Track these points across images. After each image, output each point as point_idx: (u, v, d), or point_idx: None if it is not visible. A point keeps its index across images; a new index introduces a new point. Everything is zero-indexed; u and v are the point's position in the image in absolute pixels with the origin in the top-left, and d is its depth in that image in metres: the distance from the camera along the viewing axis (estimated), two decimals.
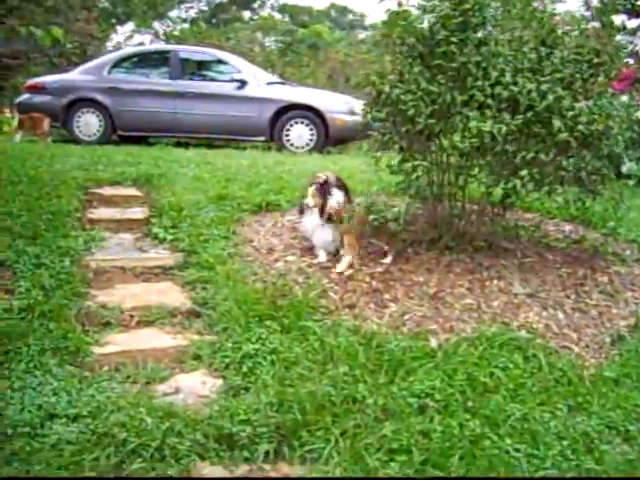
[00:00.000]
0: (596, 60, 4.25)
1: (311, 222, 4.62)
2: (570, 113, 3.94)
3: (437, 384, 3.14)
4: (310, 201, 4.51)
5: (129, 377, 3.31)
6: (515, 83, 3.99)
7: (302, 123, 10.56)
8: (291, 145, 10.54)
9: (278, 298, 4.02)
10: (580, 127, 3.86)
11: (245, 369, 3.28)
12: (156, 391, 3.19)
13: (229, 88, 10.63)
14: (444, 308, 3.98)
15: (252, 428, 2.85)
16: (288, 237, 5.14)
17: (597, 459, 2.76)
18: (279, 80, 11.73)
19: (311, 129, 10.53)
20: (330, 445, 2.75)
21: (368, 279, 4.34)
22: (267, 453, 2.76)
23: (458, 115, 4.11)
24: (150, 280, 4.61)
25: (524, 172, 3.95)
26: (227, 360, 3.43)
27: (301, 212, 4.88)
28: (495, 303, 4.06)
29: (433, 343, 3.53)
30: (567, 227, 5.66)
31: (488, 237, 4.77)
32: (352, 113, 10.58)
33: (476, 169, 4.46)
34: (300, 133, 10.57)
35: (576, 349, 3.66)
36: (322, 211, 4.52)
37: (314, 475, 2.65)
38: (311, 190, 4.52)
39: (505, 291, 4.22)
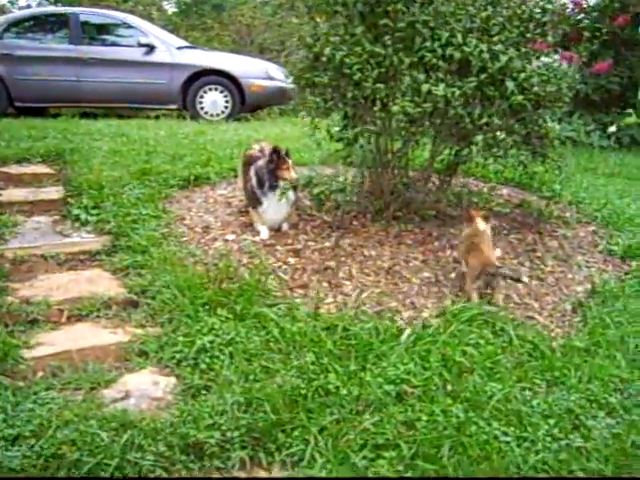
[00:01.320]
0: (543, 19, 4.12)
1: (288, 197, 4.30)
2: (522, 75, 3.79)
3: (412, 368, 2.95)
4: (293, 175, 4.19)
5: (69, 383, 2.91)
6: (466, 44, 3.78)
7: (216, 90, 10.11)
8: (205, 113, 10.08)
9: (224, 282, 3.70)
10: (535, 89, 3.73)
11: (204, 365, 2.96)
12: (104, 397, 2.83)
13: (136, 53, 9.99)
14: (402, 283, 3.80)
15: (221, 433, 2.56)
16: (223, 213, 4.80)
17: (585, 436, 2.66)
18: (189, 44, 11.11)
19: (226, 96, 10.10)
20: (310, 445, 2.51)
21: (317, 255, 4.09)
22: (242, 460, 2.47)
23: (407, 78, 3.87)
24: (76, 268, 4.16)
25: (479, 137, 3.78)
26: (179, 356, 3.10)
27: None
28: (452, 275, 3.91)
29: (404, 330, 3.31)
30: (505, 191, 5.63)
31: (434, 205, 4.63)
32: (269, 78, 10.22)
33: (424, 135, 4.25)
34: (214, 100, 10.12)
35: (540, 319, 3.57)
36: (275, 182, 4.20)
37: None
38: (291, 162, 4.23)
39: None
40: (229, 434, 2.56)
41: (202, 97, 10.05)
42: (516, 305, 3.68)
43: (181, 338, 3.17)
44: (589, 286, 3.95)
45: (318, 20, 4.47)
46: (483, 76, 3.75)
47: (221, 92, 10.11)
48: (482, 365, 3.05)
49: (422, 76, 3.83)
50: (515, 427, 2.68)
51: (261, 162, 4.35)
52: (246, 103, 10.28)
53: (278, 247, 4.20)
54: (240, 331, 3.21)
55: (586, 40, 5.63)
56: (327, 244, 4.22)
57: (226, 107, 10.17)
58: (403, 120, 3.87)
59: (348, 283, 3.78)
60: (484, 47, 3.74)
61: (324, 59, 4.10)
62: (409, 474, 2.42)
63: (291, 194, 4.31)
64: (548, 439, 2.63)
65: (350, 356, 3.05)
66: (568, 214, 5.14)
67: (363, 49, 3.90)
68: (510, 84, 3.74)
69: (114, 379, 2.98)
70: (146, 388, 2.94)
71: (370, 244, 4.22)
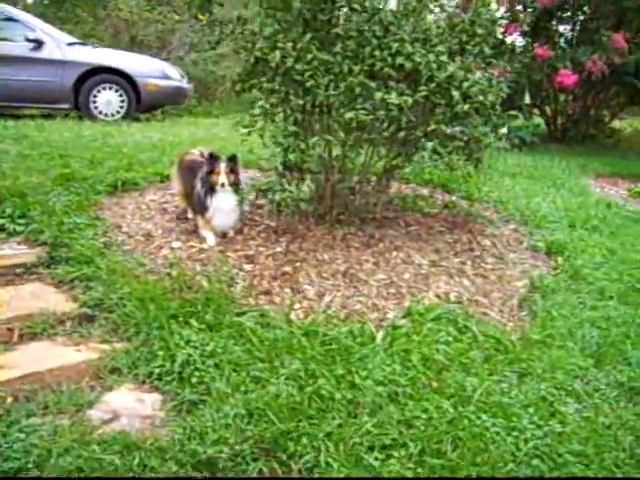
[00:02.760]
0: (474, 31, 4.37)
1: (228, 202, 4.20)
2: (465, 84, 4.01)
3: (397, 368, 3.06)
4: (224, 179, 4.09)
5: (48, 407, 2.75)
6: (414, 54, 3.94)
7: (110, 89, 9.79)
8: (99, 113, 9.72)
9: (184, 292, 3.63)
10: (480, 98, 3.95)
11: (194, 379, 2.89)
12: (92, 419, 2.69)
13: (22, 49, 9.39)
14: (361, 286, 3.90)
15: (229, 447, 2.53)
16: (161, 220, 4.68)
17: (562, 421, 2.88)
18: (80, 41, 10.57)
19: (121, 95, 9.80)
20: (322, 452, 2.54)
21: (271, 261, 4.10)
22: (260, 472, 2.47)
23: (358, 87, 3.98)
24: (14, 282, 3.89)
25: (429, 144, 3.96)
26: (158, 370, 3.00)
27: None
28: (406, 276, 4.07)
29: (377, 332, 3.42)
30: (425, 191, 5.89)
31: (372, 208, 4.78)
32: (166, 77, 10.00)
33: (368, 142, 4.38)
34: (109, 100, 9.80)
35: (492, 314, 3.80)
36: (213, 187, 4.15)
37: None
38: (223, 167, 4.10)
39: (408, 262, 4.25)
40: (238, 447, 2.54)
41: (96, 96, 9.66)
42: (468, 302, 3.88)
43: (160, 352, 3.07)
44: (527, 282, 4.25)
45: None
46: (432, 85, 3.92)
47: (116, 91, 9.77)
48: (457, 361, 3.22)
49: (373, 84, 3.94)
50: (501, 418, 2.85)
51: (205, 168, 4.28)
52: (142, 103, 10.00)
53: (229, 253, 4.16)
54: (219, 342, 3.16)
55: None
56: (278, 249, 4.24)
57: (121, 107, 9.84)
58: (354, 127, 3.97)
59: (309, 288, 3.82)
60: (432, 57, 3.91)
61: (273, 65, 4.11)
62: (420, 470, 2.52)
63: (235, 198, 4.26)
64: (532, 427, 2.82)
65: (335, 361, 3.10)
66: (488, 213, 5.48)
67: (314, 57, 3.94)
68: (456, 93, 3.95)
69: (95, 399, 2.85)
70: (132, 406, 2.83)
71: (320, 248, 4.29)
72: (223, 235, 4.39)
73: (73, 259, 3.96)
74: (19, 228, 4.36)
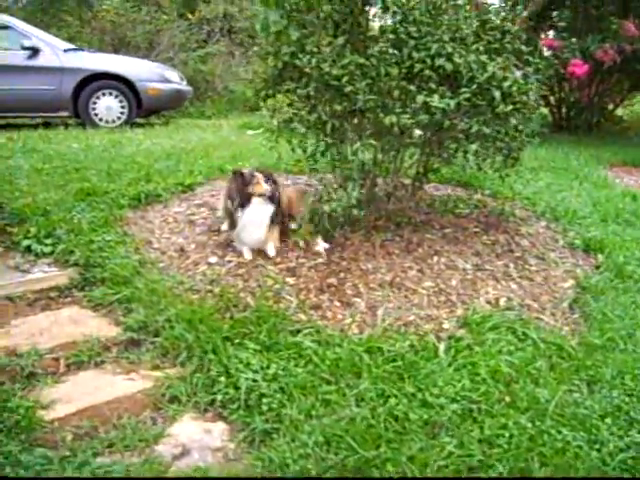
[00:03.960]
0: (505, 29, 4.27)
1: (261, 214, 4.05)
2: (505, 84, 3.90)
3: (466, 384, 2.96)
4: (267, 188, 3.96)
5: (114, 444, 2.62)
6: (454, 54, 3.83)
7: (110, 94, 9.60)
8: (100, 120, 9.54)
9: (232, 311, 3.52)
10: (524, 98, 3.86)
11: (264, 407, 2.77)
12: (162, 455, 2.58)
13: (18, 58, 9.16)
14: (410, 295, 3.79)
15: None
16: (192, 233, 4.54)
17: None
18: (76, 47, 10.34)
19: (121, 100, 9.62)
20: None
21: (314, 273, 3.98)
22: None
23: (397, 90, 3.86)
24: (50, 307, 3.76)
25: (473, 146, 3.85)
26: (221, 397, 2.89)
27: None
28: (453, 282, 3.97)
29: (438, 345, 3.31)
30: (449, 190, 5.80)
31: (407, 212, 4.67)
32: (165, 80, 9.84)
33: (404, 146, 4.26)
34: (109, 105, 9.62)
35: (545, 319, 3.72)
36: (243, 200, 4.02)
37: None
38: (261, 177, 3.97)
39: (452, 267, 4.15)
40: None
41: (95, 103, 9.48)
42: (520, 307, 3.79)
43: (222, 378, 2.95)
44: (573, 282, 4.17)
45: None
46: (474, 87, 3.81)
47: (115, 97, 9.59)
48: (524, 372, 3.13)
49: (413, 87, 3.82)
50: (581, 431, 2.77)
51: (237, 183, 4.14)
52: (143, 107, 9.81)
53: (269, 267, 4.04)
54: (279, 364, 3.04)
55: None
56: (320, 260, 4.11)
57: (122, 113, 9.66)
58: (393, 131, 3.85)
59: (359, 300, 3.71)
60: (473, 57, 3.80)
61: (307, 69, 3.98)
62: None
63: (267, 210, 4.11)
64: (613, 438, 2.75)
65: (402, 378, 3.00)
66: (517, 210, 5.39)
67: (351, 60, 3.82)
68: (497, 93, 3.84)
69: (161, 433, 2.72)
70: (200, 438, 2.72)
71: (362, 257, 4.17)
72: (261, 250, 4.23)
73: (108, 280, 3.84)
74: (46, 249, 4.22)
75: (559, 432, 2.74)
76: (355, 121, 4.09)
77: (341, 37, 3.98)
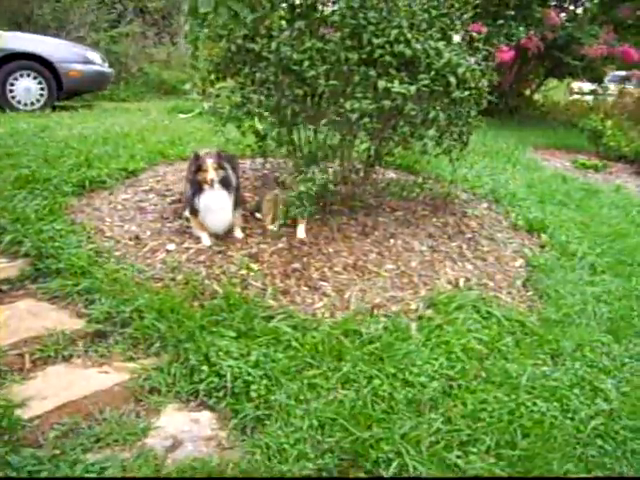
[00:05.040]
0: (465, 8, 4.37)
1: (218, 201, 3.98)
2: (460, 70, 4.01)
3: (443, 362, 3.06)
4: (214, 176, 3.88)
5: (101, 440, 2.55)
6: (411, 41, 3.89)
7: (29, 76, 9.10)
8: (18, 102, 9.08)
9: (201, 299, 3.47)
10: (480, 84, 3.97)
11: (253, 394, 2.76)
12: (154, 449, 2.52)
13: None
14: (374, 277, 3.86)
15: (312, 462, 2.45)
16: (145, 220, 4.43)
17: (607, 399, 3.01)
18: None
19: (40, 82, 9.16)
20: (407, 456, 2.50)
21: (276, 258, 3.98)
22: None
23: (357, 75, 3.89)
24: (2, 301, 3.55)
25: (431, 132, 3.95)
26: (205, 386, 2.85)
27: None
28: (412, 264, 4.07)
29: (412, 326, 3.40)
30: (393, 175, 5.90)
31: (359, 196, 4.74)
32: (87, 62, 9.47)
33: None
34: (27, 87, 9.16)
35: (503, 297, 3.88)
36: (226, 185, 3.95)
37: None
38: (210, 162, 3.88)
39: (409, 249, 4.26)
40: (320, 461, 2.46)
41: (13, 85, 8.98)
42: (477, 286, 3.94)
43: (204, 367, 2.91)
44: (522, 261, 4.37)
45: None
46: (432, 73, 3.89)
47: (34, 78, 9.12)
48: (493, 348, 3.27)
49: (373, 72, 3.87)
50: (554, 402, 2.93)
51: (192, 167, 4.06)
52: (63, 90, 9.38)
53: (230, 253, 4.00)
54: (260, 350, 3.03)
55: None
56: (280, 245, 4.11)
57: (41, 95, 9.21)
58: (357, 117, 3.89)
59: (326, 284, 3.74)
60: (432, 44, 3.88)
61: (265, 54, 3.95)
62: (501, 463, 2.54)
63: (226, 195, 4.06)
64: (583, 407, 2.92)
65: (382, 359, 3.06)
66: (460, 193, 5.57)
67: (313, 44, 3.82)
68: (452, 79, 3.94)
69: (148, 426, 2.66)
70: (189, 429, 2.68)
71: (321, 241, 4.21)
72: (220, 235, 4.18)
73: (64, 270, 3.68)
74: None
75: (534, 404, 2.89)
76: (314, 105, 4.07)
77: (300, 21, 3.95)
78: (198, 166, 3.96)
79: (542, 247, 4.65)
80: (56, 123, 7.11)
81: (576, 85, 14.30)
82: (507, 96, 11.21)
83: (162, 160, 5.79)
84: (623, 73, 12.07)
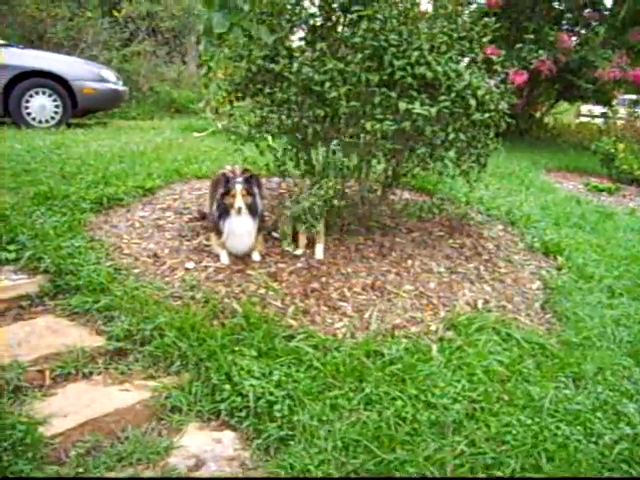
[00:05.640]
0: (475, 37, 4.41)
1: (243, 226, 3.98)
2: (479, 92, 4.03)
3: (465, 384, 3.05)
4: (241, 203, 3.88)
5: (123, 459, 2.54)
6: (431, 62, 3.92)
7: (44, 93, 9.22)
8: (33, 119, 9.16)
9: (221, 318, 3.47)
10: (500, 106, 4.00)
11: (277, 414, 2.74)
12: (177, 468, 2.51)
13: None
14: (393, 298, 3.85)
15: None
16: (163, 238, 4.44)
17: (631, 423, 2.96)
18: (3, 42, 9.84)
19: (55, 100, 9.24)
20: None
21: (295, 277, 3.98)
22: None
23: (377, 97, 3.92)
24: (23, 317, 3.58)
25: (451, 153, 3.96)
26: (227, 405, 2.84)
27: (203, 217, 4.28)
28: (431, 285, 4.06)
29: (433, 347, 3.38)
30: (407, 195, 5.91)
31: (376, 216, 4.75)
32: (101, 80, 9.56)
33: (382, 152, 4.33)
34: (43, 105, 9.24)
35: (522, 319, 3.87)
36: (252, 211, 3.96)
37: None
38: (239, 189, 3.88)
39: (427, 270, 4.25)
40: None
41: (28, 102, 9.06)
42: (496, 308, 3.92)
43: (226, 386, 2.90)
44: (540, 283, 4.35)
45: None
46: (452, 95, 3.91)
47: (49, 96, 9.21)
48: (515, 371, 3.24)
49: (394, 94, 3.89)
50: (578, 425, 2.90)
51: (221, 188, 4.06)
52: (78, 107, 9.47)
53: (249, 272, 4.00)
54: (282, 370, 3.03)
55: None
56: (299, 264, 4.12)
57: (56, 112, 9.29)
58: (378, 137, 3.91)
59: (345, 304, 3.74)
60: (453, 66, 3.91)
61: (286, 74, 3.99)
62: None
63: (251, 222, 4.04)
64: (606, 431, 2.89)
65: (403, 380, 3.05)
66: (473, 214, 5.57)
67: (335, 65, 3.85)
68: (473, 101, 3.97)
69: (170, 445, 2.66)
70: (212, 448, 2.67)
71: (340, 261, 4.21)
72: (241, 256, 4.18)
73: (83, 287, 3.70)
74: (10, 256, 4.01)
75: (558, 427, 2.86)
76: (334, 126, 4.10)
77: (321, 43, 3.99)
78: (227, 189, 3.96)
79: (559, 269, 4.64)
80: (71, 140, 7.17)
81: (585, 108, 14.34)
82: (518, 118, 11.24)
83: (178, 178, 5.82)
84: (633, 97, 12.12)
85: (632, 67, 9.71)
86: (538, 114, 12.24)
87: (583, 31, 10.35)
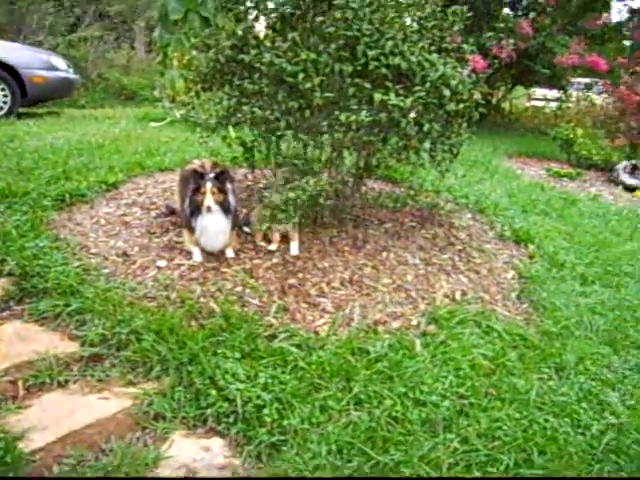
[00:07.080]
0: (447, 24, 4.37)
1: (215, 224, 3.85)
2: (453, 82, 4.00)
3: (452, 380, 3.03)
4: (212, 202, 3.74)
5: (109, 472, 2.43)
6: (411, 53, 3.87)
7: None
8: None
9: (200, 319, 3.38)
10: (475, 96, 3.97)
11: (267, 419, 2.67)
12: None
13: None
14: (372, 293, 3.81)
15: None
16: (131, 236, 4.31)
17: (614, 413, 2.99)
18: None
19: (3, 89, 8.87)
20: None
21: (272, 274, 3.90)
22: None
23: (352, 87, 3.85)
24: None
25: (427, 145, 3.92)
26: (213, 411, 2.76)
27: (171, 212, 4.15)
28: (408, 278, 4.04)
29: (417, 342, 3.35)
30: (375, 185, 5.88)
31: (348, 208, 4.69)
32: (52, 68, 9.22)
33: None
34: None
35: (499, 310, 3.88)
36: (226, 209, 3.83)
37: None
38: (209, 187, 3.74)
39: (403, 263, 4.22)
40: None
41: None
42: (474, 300, 3.92)
43: (212, 391, 2.81)
44: (514, 272, 4.38)
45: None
46: (427, 85, 3.87)
47: None
48: (497, 363, 3.25)
49: (368, 85, 3.83)
50: (565, 417, 2.91)
51: (191, 184, 3.90)
52: (27, 96, 9.11)
53: (224, 269, 3.90)
54: (267, 372, 2.95)
55: None
56: (275, 260, 4.03)
57: (4, 102, 8.93)
58: (352, 129, 3.85)
59: (324, 300, 3.68)
60: (426, 56, 3.86)
61: (258, 65, 3.88)
62: None
63: (225, 219, 3.90)
64: (592, 422, 2.92)
65: (391, 378, 3.01)
66: (442, 202, 5.57)
67: (307, 56, 3.76)
68: (447, 92, 3.93)
69: (158, 456, 2.55)
70: (201, 457, 2.58)
71: (314, 255, 4.14)
72: (214, 253, 4.07)
73: (52, 290, 3.54)
74: None
75: (546, 420, 2.87)
76: (308, 118, 4.01)
77: (291, 33, 3.89)
78: (198, 186, 3.82)
79: (531, 258, 4.67)
80: (24, 132, 6.89)
81: (540, 92, 14.55)
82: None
83: (140, 172, 5.65)
84: (587, 80, 12.33)
85: (589, 53, 9.87)
86: (494, 100, 12.35)
87: (538, 17, 10.43)
